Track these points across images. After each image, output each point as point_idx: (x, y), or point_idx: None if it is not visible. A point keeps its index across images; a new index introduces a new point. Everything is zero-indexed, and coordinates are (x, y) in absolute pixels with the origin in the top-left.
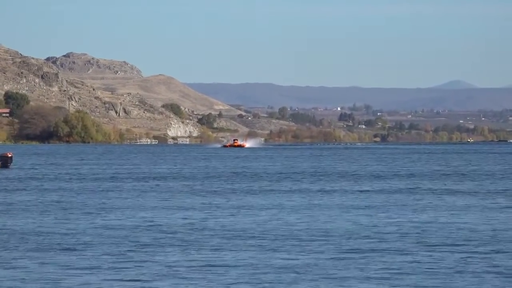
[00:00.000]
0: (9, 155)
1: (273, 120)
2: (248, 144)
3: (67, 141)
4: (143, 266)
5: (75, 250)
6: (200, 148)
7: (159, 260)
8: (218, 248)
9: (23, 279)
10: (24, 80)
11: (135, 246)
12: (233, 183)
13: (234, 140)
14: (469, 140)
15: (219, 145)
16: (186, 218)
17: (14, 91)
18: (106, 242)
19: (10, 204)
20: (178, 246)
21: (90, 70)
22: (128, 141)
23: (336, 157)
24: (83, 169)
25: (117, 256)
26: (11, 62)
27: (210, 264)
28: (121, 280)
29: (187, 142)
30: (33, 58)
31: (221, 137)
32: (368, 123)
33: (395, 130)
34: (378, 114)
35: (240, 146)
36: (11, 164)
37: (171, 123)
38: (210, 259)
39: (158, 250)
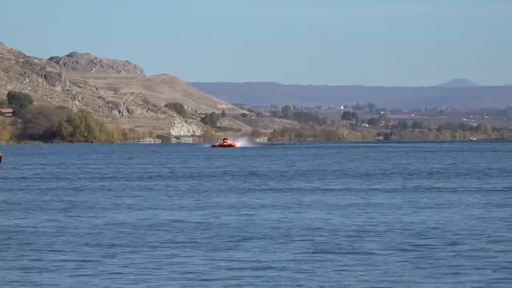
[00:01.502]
0: None
1: (276, 119)
2: (239, 143)
3: (70, 141)
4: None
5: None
6: (190, 148)
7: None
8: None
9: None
10: (27, 80)
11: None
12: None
13: (223, 139)
14: (472, 138)
15: (208, 145)
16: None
17: (17, 90)
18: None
19: None
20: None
21: (93, 70)
22: (131, 140)
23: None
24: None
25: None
26: (14, 62)
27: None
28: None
29: (190, 141)
30: (36, 58)
31: (224, 137)
32: (372, 122)
33: (398, 128)
34: (382, 112)
35: (230, 145)
36: (0, 164)
37: (174, 123)
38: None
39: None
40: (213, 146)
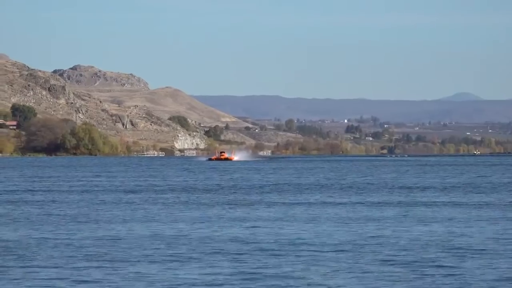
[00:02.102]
0: None
1: (280, 133)
2: (236, 157)
3: (74, 154)
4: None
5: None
6: (184, 161)
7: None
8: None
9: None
10: (31, 93)
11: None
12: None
13: (221, 152)
14: (475, 152)
15: (204, 158)
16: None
17: (21, 103)
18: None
19: None
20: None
21: (97, 83)
22: (135, 153)
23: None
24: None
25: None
26: (18, 74)
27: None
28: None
29: (194, 154)
30: (40, 71)
31: (221, 151)
32: (375, 135)
33: (402, 142)
34: (385, 126)
35: (227, 159)
36: None
37: (178, 135)
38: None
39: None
40: (210, 159)
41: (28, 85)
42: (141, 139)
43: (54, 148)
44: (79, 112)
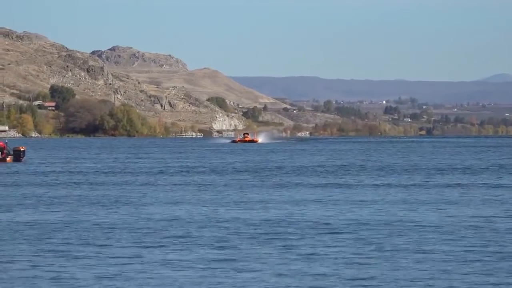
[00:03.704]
0: (22, 149)
1: (318, 114)
2: (261, 139)
3: (113, 135)
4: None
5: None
6: (204, 144)
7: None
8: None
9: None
10: (70, 74)
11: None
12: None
13: (244, 134)
14: None
15: (227, 141)
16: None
17: (60, 84)
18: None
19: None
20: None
21: (135, 64)
22: (173, 134)
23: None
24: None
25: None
26: (56, 55)
27: None
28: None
29: (232, 136)
30: (78, 52)
31: (244, 132)
32: (413, 117)
33: (440, 123)
34: (424, 107)
35: (252, 141)
36: (24, 157)
37: (216, 117)
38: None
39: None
40: (233, 141)
41: (67, 66)
42: (179, 120)
43: (92, 129)
44: (118, 93)
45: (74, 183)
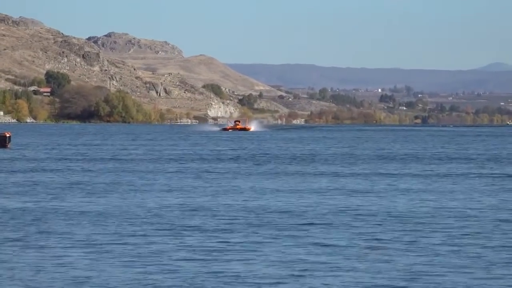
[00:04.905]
0: (7, 135)
1: (314, 101)
2: (253, 127)
3: (108, 121)
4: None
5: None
6: (189, 131)
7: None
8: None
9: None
10: (65, 60)
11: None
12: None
13: (235, 122)
14: (508, 123)
15: (217, 128)
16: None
17: (56, 70)
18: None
19: None
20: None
21: (131, 50)
22: (169, 121)
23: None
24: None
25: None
26: (52, 41)
27: None
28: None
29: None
30: (74, 38)
31: (236, 119)
32: (409, 105)
33: (435, 112)
34: (419, 95)
35: (244, 129)
36: (10, 144)
37: (211, 104)
38: None
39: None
40: (224, 129)
41: (63, 52)
42: (174, 107)
43: (87, 115)
44: (113, 80)
45: (57, 169)
